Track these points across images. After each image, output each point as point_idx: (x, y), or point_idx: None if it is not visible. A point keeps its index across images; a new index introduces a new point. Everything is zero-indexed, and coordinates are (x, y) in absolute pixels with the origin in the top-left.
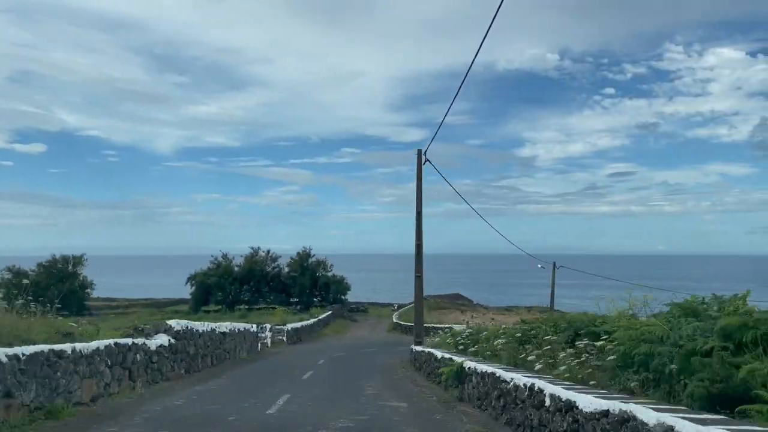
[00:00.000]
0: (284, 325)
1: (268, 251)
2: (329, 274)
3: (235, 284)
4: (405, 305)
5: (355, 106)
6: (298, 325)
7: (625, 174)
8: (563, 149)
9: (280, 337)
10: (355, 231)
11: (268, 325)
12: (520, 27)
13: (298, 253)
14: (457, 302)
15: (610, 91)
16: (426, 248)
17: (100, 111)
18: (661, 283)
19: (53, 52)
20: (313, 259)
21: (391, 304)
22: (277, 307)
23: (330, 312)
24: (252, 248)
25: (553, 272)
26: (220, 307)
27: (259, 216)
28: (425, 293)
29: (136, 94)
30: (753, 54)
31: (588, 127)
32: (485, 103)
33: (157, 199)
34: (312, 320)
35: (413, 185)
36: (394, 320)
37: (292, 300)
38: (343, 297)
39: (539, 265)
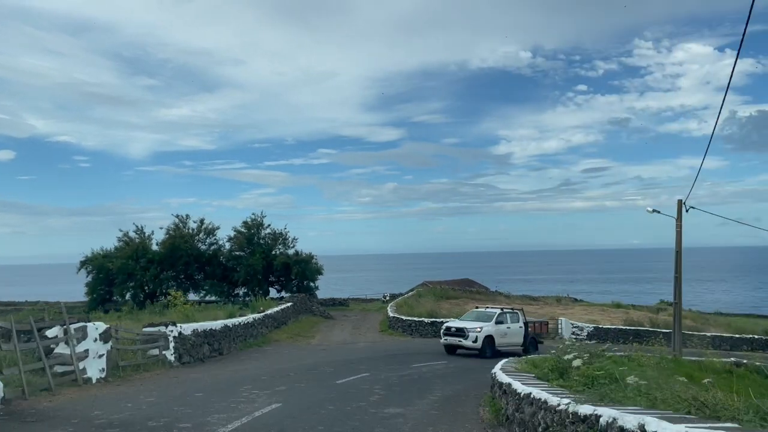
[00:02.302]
0: (173, 327)
1: (202, 221)
2: (290, 251)
3: (152, 269)
4: (401, 294)
5: (329, 107)
6: (216, 325)
7: (599, 169)
8: (538, 146)
9: (156, 353)
10: (333, 232)
11: (94, 328)
12: (493, 25)
13: (245, 223)
14: (470, 290)
15: (583, 87)
16: (402, 247)
17: (70, 116)
18: (641, 275)
19: (20, 56)
20: (268, 230)
21: (380, 297)
22: (180, 295)
23: (289, 305)
24: (177, 217)
25: (679, 214)
26: (126, 302)
27: (235, 219)
28: (427, 279)
29: (107, 98)
30: (720, 49)
31: (562, 123)
32: (460, 102)
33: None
34: (250, 317)
35: (390, 185)
36: (390, 314)
37: (237, 290)
38: (312, 284)
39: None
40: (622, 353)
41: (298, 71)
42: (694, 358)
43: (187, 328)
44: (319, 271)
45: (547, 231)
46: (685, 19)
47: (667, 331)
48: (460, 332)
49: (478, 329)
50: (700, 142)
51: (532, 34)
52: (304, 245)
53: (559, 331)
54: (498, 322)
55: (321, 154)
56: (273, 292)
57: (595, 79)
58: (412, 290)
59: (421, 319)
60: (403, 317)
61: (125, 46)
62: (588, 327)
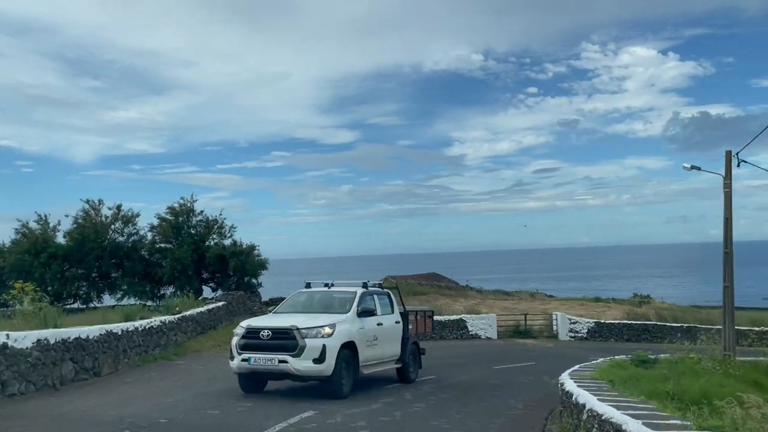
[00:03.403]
0: None
1: (119, 207)
2: (227, 241)
3: (54, 266)
4: None
5: (282, 109)
6: (89, 332)
7: (549, 170)
8: (491, 148)
9: None
10: (288, 236)
11: None
12: (445, 28)
13: (171, 209)
14: (438, 284)
15: (533, 90)
16: (359, 249)
17: (11, 119)
18: (589, 272)
19: None
20: (200, 218)
21: None
22: (31, 288)
23: (220, 305)
24: (87, 203)
25: (728, 169)
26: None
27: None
28: (394, 273)
29: (50, 101)
30: (664, 52)
31: (513, 125)
32: (414, 104)
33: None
34: (156, 321)
35: (346, 187)
36: None
37: (163, 289)
38: (254, 280)
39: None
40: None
41: (250, 72)
42: (751, 358)
43: (27, 337)
44: (262, 266)
45: (501, 231)
46: (629, 22)
47: (680, 325)
48: (283, 339)
49: (325, 330)
50: (645, 143)
51: (483, 37)
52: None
53: (554, 328)
54: (363, 313)
55: (275, 157)
56: (208, 291)
57: (544, 82)
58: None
59: None
60: None
61: (69, 46)
62: (587, 322)
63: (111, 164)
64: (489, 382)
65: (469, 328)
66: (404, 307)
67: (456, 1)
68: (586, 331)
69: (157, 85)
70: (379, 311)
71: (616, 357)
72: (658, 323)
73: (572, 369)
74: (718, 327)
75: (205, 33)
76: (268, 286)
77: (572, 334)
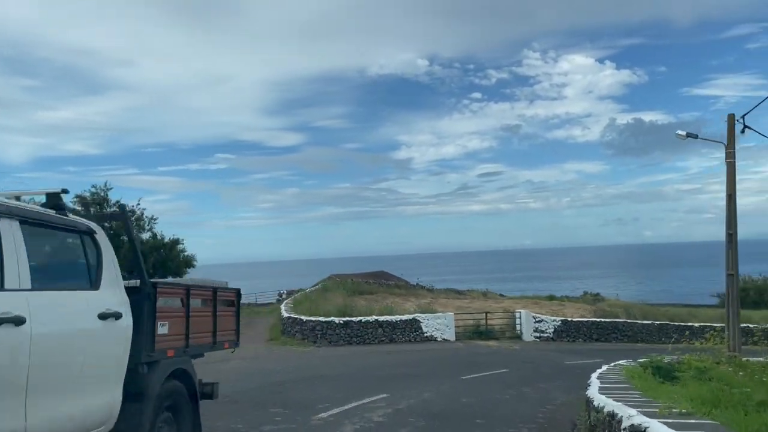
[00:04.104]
0: None
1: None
2: (145, 234)
3: None
4: (301, 291)
5: (227, 111)
6: None
7: (493, 174)
8: (437, 151)
9: None
10: (233, 239)
11: None
12: (391, 33)
13: (81, 198)
14: (387, 283)
15: (477, 95)
16: (306, 253)
17: None
18: (532, 273)
19: None
20: (114, 208)
21: (277, 298)
22: None
23: None
24: None
25: (731, 136)
26: None
27: None
28: (335, 272)
29: None
30: (601, 61)
31: (458, 130)
32: (361, 108)
33: None
34: None
35: (292, 190)
36: (284, 315)
37: None
38: (179, 279)
39: None
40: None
41: (193, 73)
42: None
43: None
44: (188, 263)
45: (447, 233)
46: (568, 31)
47: (651, 322)
48: None
49: None
50: (584, 148)
51: (428, 43)
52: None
53: (517, 328)
54: None
55: (219, 159)
56: None
57: (488, 88)
58: (316, 285)
59: (329, 320)
60: (303, 318)
61: (2, 44)
62: (553, 321)
63: (45, 166)
64: (461, 401)
65: (424, 330)
66: (144, 272)
67: (401, 8)
68: (552, 330)
69: (95, 85)
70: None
71: (621, 362)
72: (629, 321)
73: (599, 384)
74: (692, 324)
75: (146, 33)
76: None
77: (537, 335)
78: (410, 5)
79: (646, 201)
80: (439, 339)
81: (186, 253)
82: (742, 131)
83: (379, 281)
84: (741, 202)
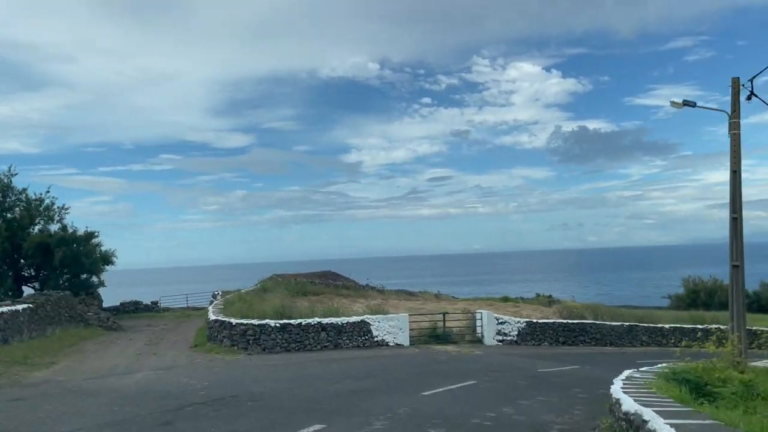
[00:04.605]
0: None
1: None
2: (54, 226)
3: None
4: (235, 291)
5: (172, 110)
6: None
7: (443, 178)
8: (387, 155)
9: None
10: (177, 242)
11: None
12: (341, 35)
13: None
14: (335, 283)
15: (427, 100)
16: (254, 256)
17: None
18: (482, 277)
19: None
20: (19, 197)
21: (211, 300)
22: None
23: (22, 308)
24: None
25: (736, 104)
26: None
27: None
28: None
29: None
30: (548, 69)
31: (409, 134)
32: (311, 110)
33: None
34: None
35: (239, 192)
36: (212, 317)
37: None
38: (95, 278)
39: None
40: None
41: (138, 71)
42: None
43: None
44: (106, 259)
45: (397, 237)
46: (516, 39)
47: (620, 324)
48: None
49: None
50: (531, 155)
51: (380, 46)
52: (144, 257)
53: (478, 330)
54: None
55: (163, 160)
56: (31, 293)
57: (438, 93)
58: (255, 286)
59: (264, 322)
60: (233, 320)
61: None
62: (517, 322)
63: None
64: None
65: (374, 333)
66: None
67: (352, 10)
68: (516, 333)
69: (32, 81)
70: None
71: (632, 373)
72: (597, 322)
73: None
74: (663, 326)
75: (88, 28)
76: (144, 293)
77: (500, 338)
78: (362, 8)
79: (589, 207)
80: (391, 344)
81: (103, 249)
82: (749, 98)
83: (325, 281)
84: (679, 209)
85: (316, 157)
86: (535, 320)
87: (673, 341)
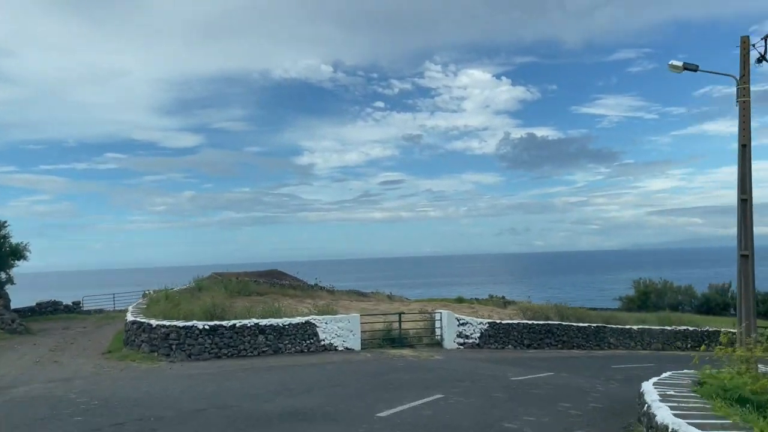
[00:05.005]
0: None
1: None
2: None
3: None
4: (167, 290)
5: (118, 108)
6: None
7: (395, 182)
8: (339, 158)
9: None
10: (122, 244)
11: None
12: (294, 36)
13: None
14: (281, 283)
15: (380, 104)
16: (202, 259)
17: None
18: (433, 280)
19: None
20: None
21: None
22: None
23: None
24: None
25: (746, 65)
26: None
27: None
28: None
29: None
30: (498, 76)
31: (361, 137)
32: (263, 111)
33: None
34: None
35: (188, 193)
36: (130, 318)
37: None
38: (2, 274)
39: None
40: None
41: (82, 67)
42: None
43: None
44: (17, 253)
45: (349, 240)
46: (468, 46)
47: (587, 325)
48: None
49: None
50: (481, 160)
51: (333, 49)
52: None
53: (437, 332)
54: None
55: (109, 159)
56: None
57: (391, 97)
58: (189, 284)
59: (189, 324)
60: (153, 322)
61: None
62: (480, 323)
63: None
64: None
65: (321, 336)
66: None
67: (305, 12)
68: (478, 335)
69: None
70: None
71: (670, 388)
72: (563, 323)
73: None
74: (631, 327)
75: (30, 21)
76: (77, 295)
77: (461, 341)
78: (315, 10)
79: (536, 212)
80: (340, 348)
81: (12, 241)
82: (759, 61)
83: (270, 281)
84: (621, 215)
85: (267, 159)
86: (499, 321)
87: (641, 344)
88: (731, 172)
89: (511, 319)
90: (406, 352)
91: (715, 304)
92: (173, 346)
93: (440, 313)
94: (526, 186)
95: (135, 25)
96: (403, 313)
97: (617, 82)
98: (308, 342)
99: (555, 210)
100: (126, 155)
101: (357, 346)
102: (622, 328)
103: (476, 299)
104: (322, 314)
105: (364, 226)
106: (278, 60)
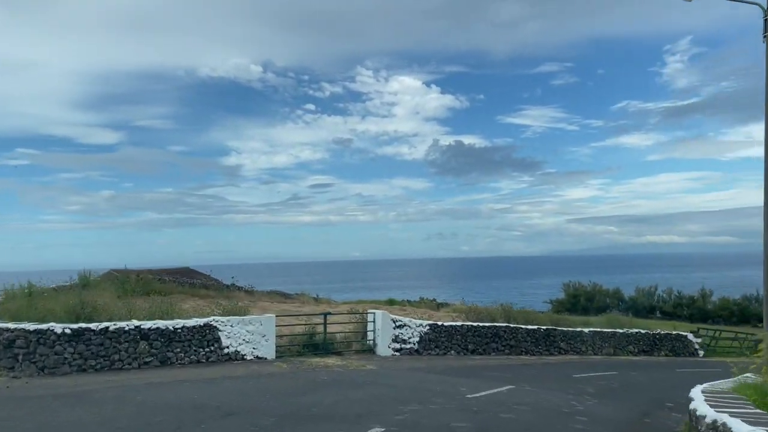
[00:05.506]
0: None
1: None
2: None
3: None
4: (31, 287)
5: (31, 101)
6: None
7: (324, 185)
8: (268, 160)
9: None
10: (34, 245)
11: None
12: (223, 35)
13: None
14: (191, 282)
15: (311, 107)
16: (120, 261)
17: None
18: (364, 284)
19: None
20: None
21: None
22: None
23: None
24: None
25: None
26: None
27: None
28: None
29: None
30: (428, 84)
31: (291, 139)
32: (188, 109)
33: None
34: None
35: (106, 193)
36: None
37: None
38: None
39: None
40: None
41: None
42: None
43: None
44: None
45: (277, 243)
46: (399, 53)
47: (536, 328)
48: None
49: None
50: (410, 166)
51: (263, 49)
52: None
53: (370, 336)
54: None
55: (19, 154)
56: None
57: (322, 100)
58: (73, 281)
59: (44, 327)
60: None
61: None
62: (419, 326)
63: None
64: None
65: (225, 342)
66: None
67: (235, 10)
68: (417, 339)
69: None
70: None
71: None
72: (511, 325)
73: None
74: (582, 330)
75: None
76: None
77: (397, 346)
78: (245, 9)
79: (463, 218)
80: (249, 357)
81: None
82: None
83: (179, 279)
84: (542, 222)
85: (192, 159)
86: (441, 323)
87: (592, 348)
88: (645, 183)
89: (453, 320)
90: (331, 360)
91: (642, 307)
92: (20, 357)
93: (374, 313)
94: (454, 192)
95: (54, 15)
96: (330, 314)
97: (541, 94)
98: (207, 350)
99: (481, 216)
100: (39, 151)
101: (270, 355)
102: (573, 331)
103: (408, 301)
104: (228, 315)
105: (292, 229)
106: (206, 58)
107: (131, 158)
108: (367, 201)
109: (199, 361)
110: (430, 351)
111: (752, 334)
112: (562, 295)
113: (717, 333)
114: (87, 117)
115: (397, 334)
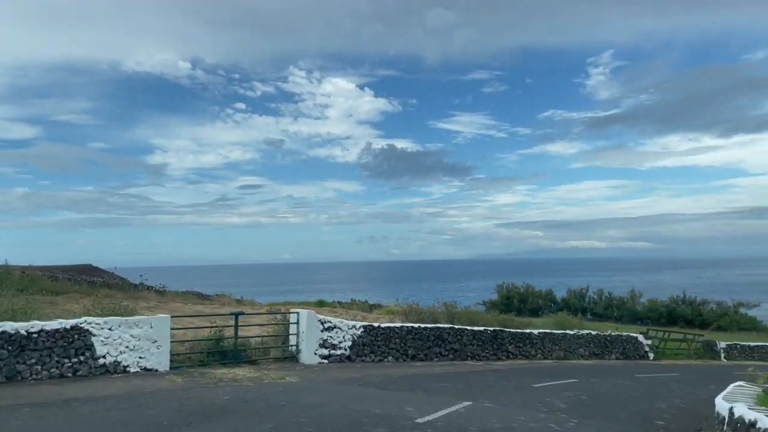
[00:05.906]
0: None
1: None
2: None
3: None
4: None
5: None
6: None
7: (254, 187)
8: (196, 159)
9: None
10: None
11: None
12: (149, 29)
13: None
14: (92, 280)
15: (242, 106)
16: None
17: None
18: (294, 286)
19: None
20: None
21: None
22: None
23: None
24: None
25: None
26: None
27: None
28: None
29: None
30: (362, 87)
31: (220, 139)
32: (110, 104)
33: None
34: None
35: (20, 190)
36: None
37: None
38: None
39: None
40: None
41: None
42: None
43: None
44: None
45: (204, 245)
46: (333, 55)
47: (483, 329)
48: None
49: None
50: (343, 168)
51: (191, 45)
52: None
53: (293, 340)
54: None
55: None
56: None
57: (253, 99)
58: None
59: None
60: None
61: None
62: (351, 328)
63: None
64: None
65: (100, 350)
66: None
67: (163, 4)
68: (349, 343)
69: None
70: None
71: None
72: (456, 327)
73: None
74: (531, 331)
75: None
76: None
77: (326, 352)
78: (174, 3)
79: (395, 221)
80: (133, 369)
81: None
82: None
83: (77, 277)
84: (471, 226)
85: (114, 156)
86: (377, 324)
87: (542, 351)
88: (569, 190)
89: (391, 322)
90: (242, 372)
91: (574, 308)
92: None
93: (297, 313)
94: (386, 195)
95: None
96: (244, 314)
97: (472, 101)
98: (75, 360)
99: (412, 220)
100: None
101: (163, 365)
102: (522, 333)
103: (339, 303)
104: (106, 316)
105: (220, 230)
106: (131, 52)
107: (49, 154)
108: (298, 203)
109: (63, 375)
110: (364, 357)
111: (700, 335)
112: (494, 297)
113: (666, 334)
114: (1, 110)
115: (325, 338)
